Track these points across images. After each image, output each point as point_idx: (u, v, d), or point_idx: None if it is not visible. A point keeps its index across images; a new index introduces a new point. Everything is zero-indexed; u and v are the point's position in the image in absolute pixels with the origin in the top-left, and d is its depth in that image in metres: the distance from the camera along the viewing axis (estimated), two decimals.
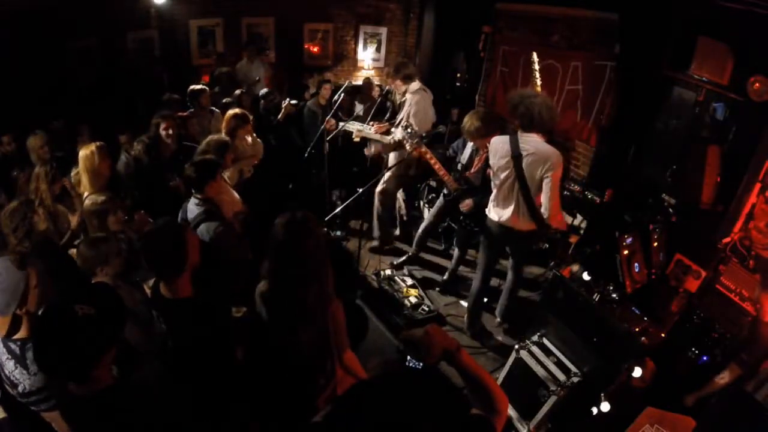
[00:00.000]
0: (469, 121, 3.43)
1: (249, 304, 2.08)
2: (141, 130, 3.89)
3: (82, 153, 2.98)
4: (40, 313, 1.69)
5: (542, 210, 2.98)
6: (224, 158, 3.16)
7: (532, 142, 2.89)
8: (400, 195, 4.64)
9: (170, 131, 3.73)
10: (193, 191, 2.83)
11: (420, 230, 4.33)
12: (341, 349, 2.02)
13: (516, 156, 2.89)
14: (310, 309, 1.81)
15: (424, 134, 3.91)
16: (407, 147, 3.87)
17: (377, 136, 4.51)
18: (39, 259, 2.36)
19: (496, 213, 3.20)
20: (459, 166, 3.83)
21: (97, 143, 3.05)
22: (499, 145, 3.01)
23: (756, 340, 2.67)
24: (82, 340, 1.29)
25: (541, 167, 2.86)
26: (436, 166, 3.72)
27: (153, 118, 3.78)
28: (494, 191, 3.18)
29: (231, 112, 3.85)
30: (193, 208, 2.79)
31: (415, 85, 4.08)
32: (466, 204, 3.70)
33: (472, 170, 3.69)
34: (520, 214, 3.07)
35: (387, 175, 4.32)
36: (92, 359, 1.32)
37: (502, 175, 3.04)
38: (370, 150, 4.77)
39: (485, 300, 3.70)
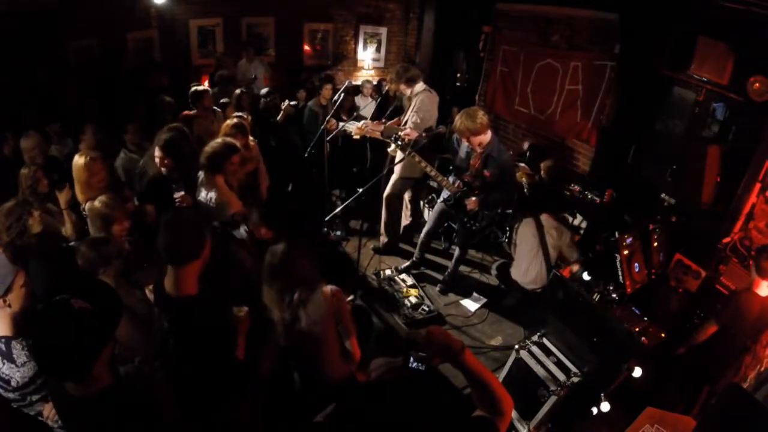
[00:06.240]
0: (459, 120, 3.45)
1: (251, 304, 2.09)
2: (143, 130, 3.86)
3: (76, 162, 2.87)
4: (36, 310, 1.69)
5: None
6: (228, 160, 3.13)
7: (548, 221, 3.73)
8: (406, 196, 4.64)
9: (165, 161, 3.14)
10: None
11: (422, 235, 4.34)
12: (348, 334, 2.20)
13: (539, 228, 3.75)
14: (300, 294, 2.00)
15: (422, 136, 3.91)
16: (399, 156, 3.87)
17: (375, 134, 4.51)
18: (38, 256, 2.38)
19: (521, 276, 3.89)
20: (458, 161, 3.84)
21: (91, 154, 2.89)
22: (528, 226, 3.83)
23: (735, 304, 2.81)
24: (79, 334, 1.28)
25: (556, 240, 3.69)
26: (432, 173, 3.73)
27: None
28: (518, 259, 3.91)
29: (227, 123, 3.58)
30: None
31: (419, 86, 4.09)
32: (472, 202, 3.70)
33: (470, 172, 3.69)
34: (541, 274, 3.76)
35: (392, 179, 4.33)
36: (91, 353, 1.32)
37: (529, 247, 3.76)
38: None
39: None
